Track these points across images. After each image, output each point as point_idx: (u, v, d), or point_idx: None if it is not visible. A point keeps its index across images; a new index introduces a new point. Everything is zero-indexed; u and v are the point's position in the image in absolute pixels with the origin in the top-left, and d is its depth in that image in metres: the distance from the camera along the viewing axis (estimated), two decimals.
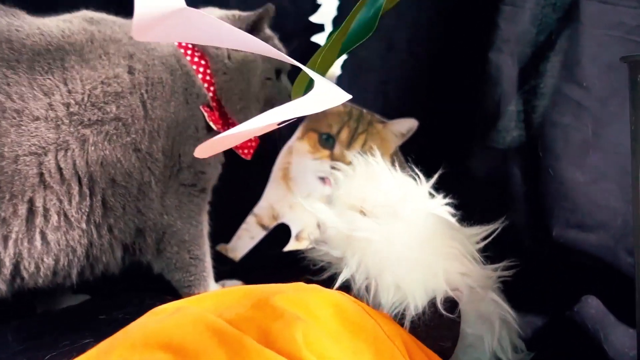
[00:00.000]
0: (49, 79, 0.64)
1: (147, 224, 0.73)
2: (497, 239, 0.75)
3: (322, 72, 0.55)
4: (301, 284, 0.54)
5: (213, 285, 0.79)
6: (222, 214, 1.01)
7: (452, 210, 0.81)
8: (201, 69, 0.77)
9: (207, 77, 0.77)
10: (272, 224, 1.07)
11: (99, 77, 0.67)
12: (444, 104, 1.00)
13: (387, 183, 0.73)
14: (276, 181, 1.09)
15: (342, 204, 0.76)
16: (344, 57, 1.03)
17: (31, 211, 0.64)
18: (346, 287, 0.68)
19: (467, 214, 0.83)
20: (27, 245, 0.64)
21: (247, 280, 0.83)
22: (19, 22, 0.65)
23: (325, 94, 0.47)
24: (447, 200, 0.81)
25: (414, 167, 0.81)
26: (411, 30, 1.02)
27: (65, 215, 0.66)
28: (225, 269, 0.89)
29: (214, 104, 0.78)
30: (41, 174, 0.64)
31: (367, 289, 0.66)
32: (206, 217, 0.81)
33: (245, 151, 0.83)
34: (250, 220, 1.07)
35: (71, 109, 0.65)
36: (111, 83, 0.68)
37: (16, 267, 0.64)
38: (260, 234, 1.06)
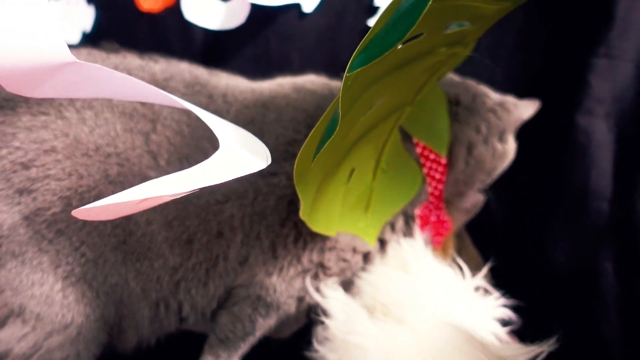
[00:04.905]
0: None
1: None
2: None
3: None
4: None
5: None
6: None
7: (509, 314, 0.63)
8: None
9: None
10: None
11: None
12: (520, 176, 0.82)
13: (406, 274, 0.59)
14: None
15: (368, 295, 0.63)
16: None
17: None
18: None
19: (533, 320, 0.65)
20: None
21: None
22: None
23: (234, 159, 0.38)
24: (503, 301, 0.64)
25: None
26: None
27: None
28: None
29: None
30: None
31: None
32: None
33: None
34: None
35: None
36: None
37: None
38: None
